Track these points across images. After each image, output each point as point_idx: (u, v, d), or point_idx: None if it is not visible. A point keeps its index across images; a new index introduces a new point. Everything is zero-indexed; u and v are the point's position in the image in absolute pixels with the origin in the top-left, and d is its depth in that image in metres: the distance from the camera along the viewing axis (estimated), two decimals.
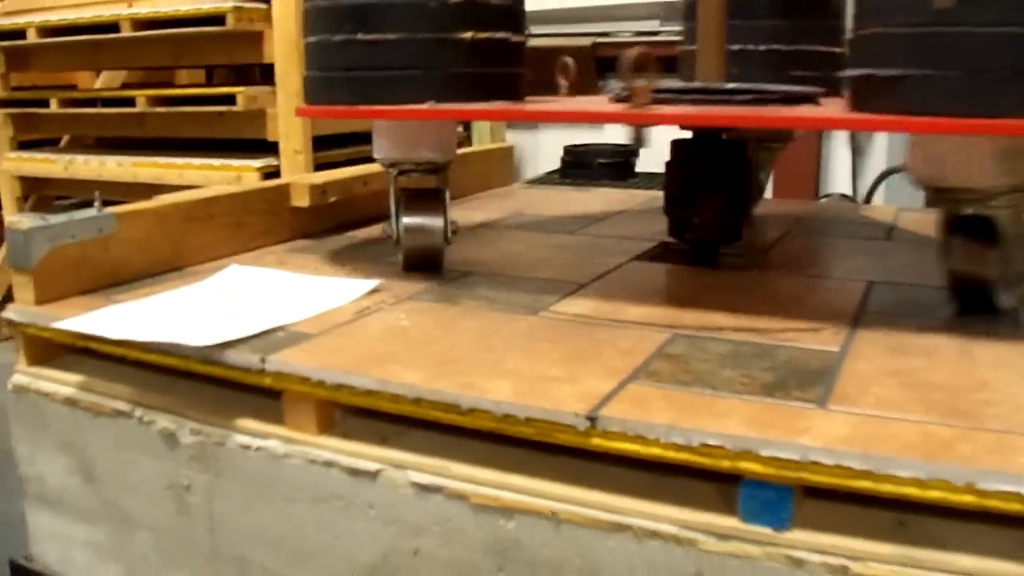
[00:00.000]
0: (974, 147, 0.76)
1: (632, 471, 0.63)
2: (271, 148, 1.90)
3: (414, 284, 0.97)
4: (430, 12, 0.89)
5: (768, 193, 1.70)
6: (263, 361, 0.73)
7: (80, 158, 2.19)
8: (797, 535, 0.56)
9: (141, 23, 1.94)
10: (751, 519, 0.58)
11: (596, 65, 2.39)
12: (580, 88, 1.03)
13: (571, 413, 0.62)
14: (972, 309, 0.83)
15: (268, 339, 0.77)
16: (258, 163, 1.88)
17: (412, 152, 0.98)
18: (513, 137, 2.64)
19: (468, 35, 0.90)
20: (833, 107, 0.84)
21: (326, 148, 1.92)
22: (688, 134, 1.06)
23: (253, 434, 0.74)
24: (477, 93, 0.92)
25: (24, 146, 2.39)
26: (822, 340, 0.77)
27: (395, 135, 0.98)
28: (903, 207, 1.47)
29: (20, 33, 2.14)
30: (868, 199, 2.22)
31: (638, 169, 2.38)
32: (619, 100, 0.89)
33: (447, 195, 0.99)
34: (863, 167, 2.43)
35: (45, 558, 0.91)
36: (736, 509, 0.58)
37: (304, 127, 1.85)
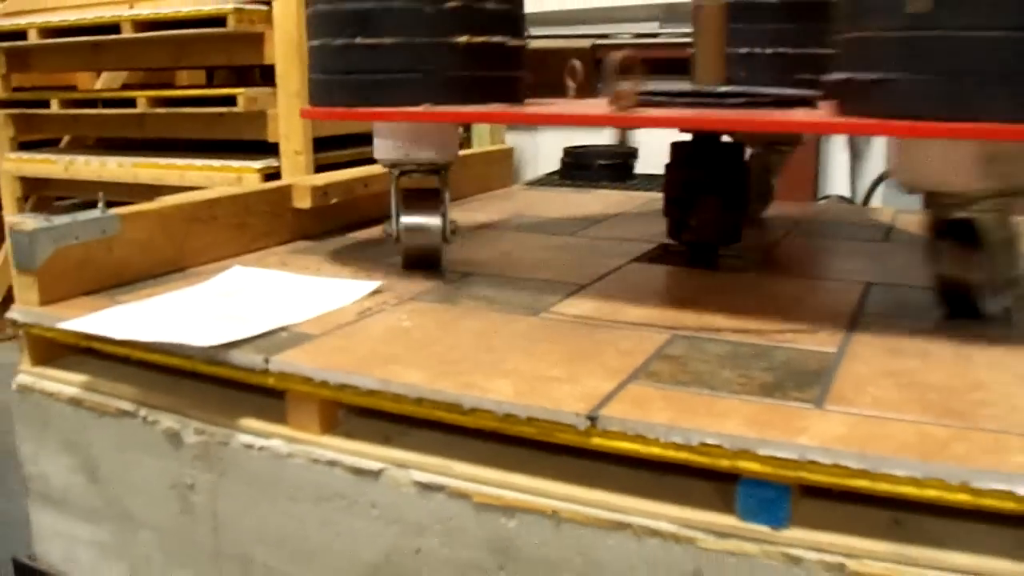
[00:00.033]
0: (956, 151, 0.76)
1: (632, 470, 0.64)
2: (271, 149, 1.90)
3: (416, 285, 0.97)
4: (426, 17, 0.90)
5: None
6: (267, 361, 0.74)
7: (80, 159, 2.20)
8: (795, 533, 0.57)
9: (142, 24, 1.94)
10: (749, 517, 0.58)
11: (596, 67, 2.39)
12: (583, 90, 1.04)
13: (572, 413, 0.62)
14: (959, 313, 0.83)
15: (271, 340, 0.78)
16: (258, 164, 1.89)
17: (413, 153, 0.99)
18: (513, 139, 2.63)
19: (463, 39, 0.90)
20: (823, 111, 0.84)
21: (326, 149, 1.93)
22: (688, 137, 1.07)
23: (257, 434, 0.75)
24: (474, 96, 0.92)
25: (25, 147, 2.40)
26: (820, 341, 0.78)
27: (396, 136, 0.99)
28: (901, 209, 1.47)
29: (21, 34, 2.14)
30: (866, 201, 2.23)
31: (637, 171, 2.38)
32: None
33: (447, 195, 1.00)
34: (861, 169, 2.43)
35: (49, 557, 0.92)
36: (734, 508, 0.59)
37: (304, 128, 1.86)
